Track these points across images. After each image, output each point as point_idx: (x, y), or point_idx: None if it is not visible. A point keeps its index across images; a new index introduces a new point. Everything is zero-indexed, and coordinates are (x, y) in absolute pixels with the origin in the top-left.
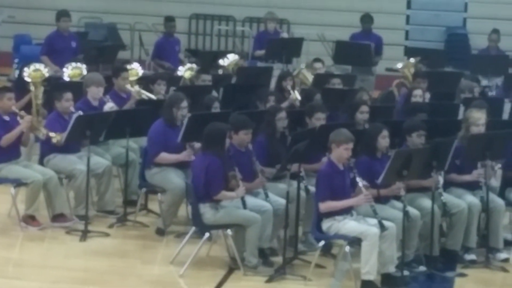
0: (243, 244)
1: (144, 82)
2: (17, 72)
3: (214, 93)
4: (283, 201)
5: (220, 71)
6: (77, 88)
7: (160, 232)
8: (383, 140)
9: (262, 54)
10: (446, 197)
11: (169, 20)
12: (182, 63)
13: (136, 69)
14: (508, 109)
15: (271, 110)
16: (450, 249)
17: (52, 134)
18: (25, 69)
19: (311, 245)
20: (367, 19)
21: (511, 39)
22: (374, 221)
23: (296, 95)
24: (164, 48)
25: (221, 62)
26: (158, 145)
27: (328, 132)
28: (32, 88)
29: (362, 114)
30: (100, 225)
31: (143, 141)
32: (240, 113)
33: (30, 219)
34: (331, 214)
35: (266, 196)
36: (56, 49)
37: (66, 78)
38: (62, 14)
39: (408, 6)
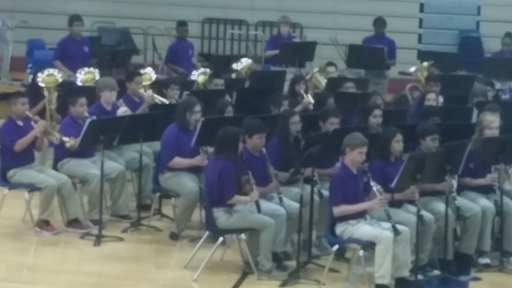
0: (257, 248)
1: (158, 86)
2: (30, 77)
3: (227, 97)
4: (296, 205)
5: (233, 75)
6: (91, 92)
7: (174, 236)
8: (397, 144)
9: (274, 54)
10: (460, 201)
11: (181, 24)
12: (195, 67)
13: (149, 74)
14: None
15: (284, 114)
16: (464, 253)
17: (65, 139)
18: (39, 74)
19: (325, 249)
20: (380, 22)
21: None
22: (388, 225)
23: (310, 98)
24: (177, 52)
25: (234, 66)
26: (171, 149)
27: (341, 136)
28: (45, 93)
29: (376, 118)
30: (114, 230)
31: (157, 145)
32: (254, 117)
33: (44, 224)
34: (345, 218)
35: (281, 201)
36: (69, 54)
37: (79, 83)
38: (75, 19)
39: (421, 9)
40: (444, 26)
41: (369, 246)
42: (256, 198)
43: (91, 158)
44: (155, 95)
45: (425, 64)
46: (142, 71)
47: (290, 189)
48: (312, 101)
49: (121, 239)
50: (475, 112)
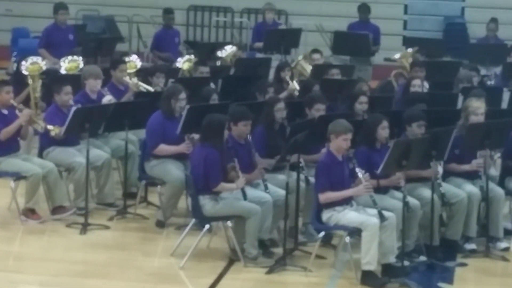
0: (243, 236)
1: (143, 74)
2: (15, 66)
3: (212, 85)
4: (282, 192)
5: (218, 63)
6: (75, 81)
7: (160, 224)
8: (383, 131)
9: (261, 46)
10: (446, 187)
11: (168, 12)
12: (181, 55)
13: (134, 62)
14: (507, 98)
15: (269, 101)
16: (450, 238)
17: (50, 127)
18: (23, 62)
19: (311, 236)
20: (364, 9)
21: (509, 28)
22: (374, 211)
23: (295, 85)
24: (163, 40)
25: (219, 53)
26: (156, 137)
27: (327, 122)
28: (30, 81)
29: (361, 105)
30: (100, 218)
31: (142, 133)
32: (239, 104)
33: (30, 213)
34: (331, 204)
35: (266, 188)
36: (54, 42)
37: (63, 71)
38: (60, 7)
39: None
40: (429, 12)
41: (355, 232)
42: (242, 185)
43: (77, 146)
44: (140, 83)
45: (410, 50)
46: (127, 59)
47: (276, 176)
48: (298, 87)
49: (107, 227)
50: (460, 98)
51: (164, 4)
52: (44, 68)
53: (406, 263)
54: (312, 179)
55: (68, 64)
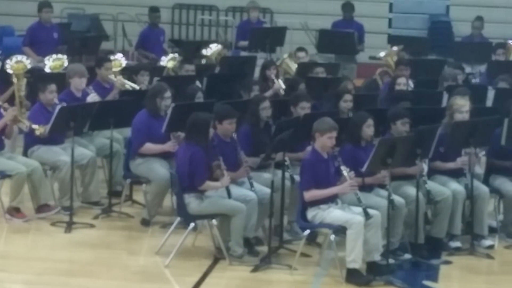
0: (228, 234)
1: (128, 72)
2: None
3: (197, 83)
4: (268, 190)
5: (204, 61)
6: (60, 79)
7: (145, 222)
8: (368, 129)
9: (245, 45)
10: (431, 184)
11: (154, 10)
12: (166, 53)
13: (119, 60)
14: (492, 96)
15: (254, 99)
16: (435, 236)
17: (35, 126)
18: (7, 61)
19: (296, 234)
20: (348, 7)
21: (494, 26)
22: (359, 209)
23: (280, 83)
24: (148, 38)
25: (204, 52)
26: (142, 135)
27: (312, 121)
28: (14, 80)
29: (346, 103)
30: (85, 217)
31: (127, 131)
32: (224, 102)
33: (14, 211)
34: (316, 202)
35: (252, 186)
36: (38, 40)
37: (47, 70)
38: (44, 5)
39: None
40: (414, 10)
41: (340, 230)
42: (227, 184)
43: (62, 145)
44: (125, 81)
45: (395, 48)
46: (112, 58)
47: (261, 175)
48: (283, 86)
49: (92, 226)
50: (445, 96)
51: (149, 2)
52: (29, 66)
53: (391, 261)
54: (297, 177)
55: (53, 62)
